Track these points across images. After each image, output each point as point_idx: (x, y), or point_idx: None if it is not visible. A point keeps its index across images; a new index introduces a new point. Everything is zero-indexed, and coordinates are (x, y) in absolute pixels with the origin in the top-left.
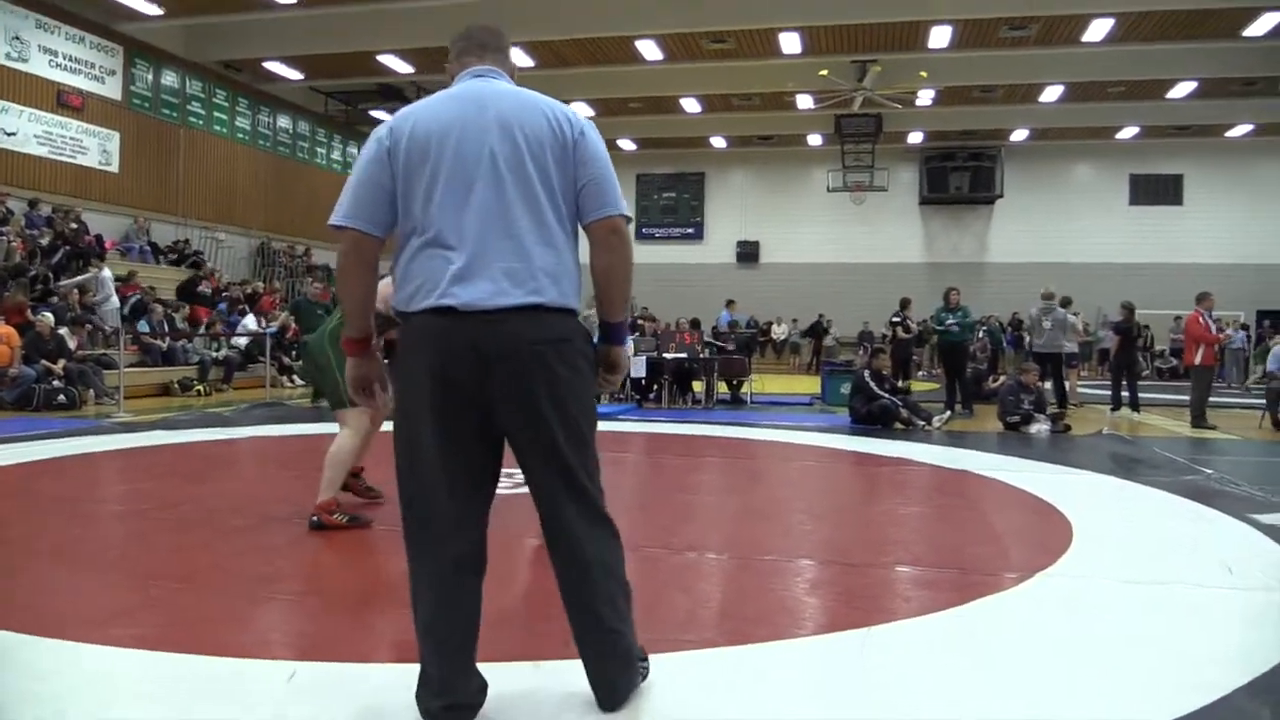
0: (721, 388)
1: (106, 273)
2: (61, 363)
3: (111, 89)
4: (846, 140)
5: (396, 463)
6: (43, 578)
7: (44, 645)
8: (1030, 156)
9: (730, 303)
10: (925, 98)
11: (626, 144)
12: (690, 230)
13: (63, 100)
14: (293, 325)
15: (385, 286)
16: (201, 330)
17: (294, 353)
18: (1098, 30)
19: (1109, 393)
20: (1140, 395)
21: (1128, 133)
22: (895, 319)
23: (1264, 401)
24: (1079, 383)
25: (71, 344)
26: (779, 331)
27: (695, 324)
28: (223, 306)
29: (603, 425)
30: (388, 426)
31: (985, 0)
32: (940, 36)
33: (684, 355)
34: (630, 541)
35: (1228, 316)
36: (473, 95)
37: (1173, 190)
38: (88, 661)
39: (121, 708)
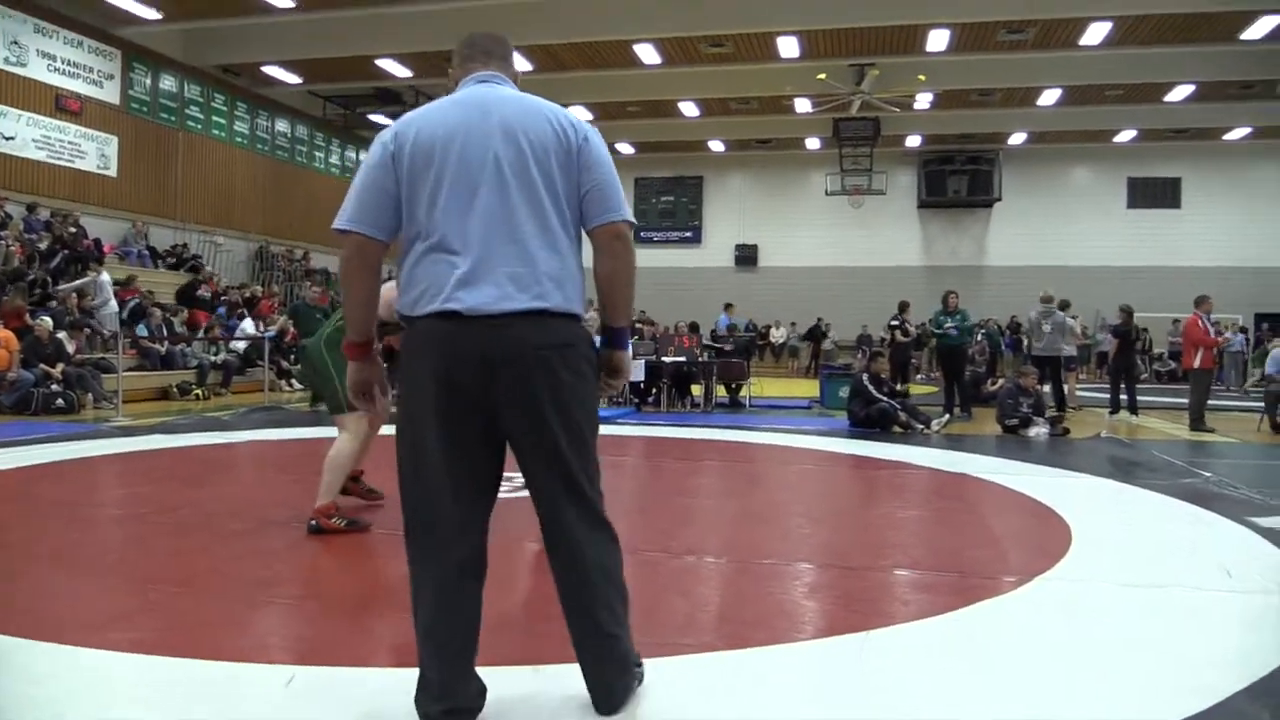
0: (720, 391)
1: (105, 277)
2: (60, 367)
3: (110, 93)
4: (845, 144)
5: (399, 467)
6: (41, 582)
7: (42, 649)
8: (1028, 160)
9: (728, 306)
10: (923, 101)
11: (625, 148)
12: (689, 234)
13: (61, 104)
14: (291, 329)
15: (388, 291)
16: (200, 334)
17: (292, 356)
18: (1095, 34)
19: (1107, 396)
20: (1139, 398)
21: (1125, 136)
22: (894, 322)
23: (1262, 404)
24: (1077, 386)
25: (70, 348)
26: (778, 335)
27: (694, 327)
28: (222, 310)
29: (602, 429)
30: (386, 430)
31: (983, 4)
32: (938, 40)
33: (682, 359)
34: (629, 545)
35: (1226, 319)
36: (477, 101)
37: (1171, 193)
38: (86, 665)
39: (119, 711)
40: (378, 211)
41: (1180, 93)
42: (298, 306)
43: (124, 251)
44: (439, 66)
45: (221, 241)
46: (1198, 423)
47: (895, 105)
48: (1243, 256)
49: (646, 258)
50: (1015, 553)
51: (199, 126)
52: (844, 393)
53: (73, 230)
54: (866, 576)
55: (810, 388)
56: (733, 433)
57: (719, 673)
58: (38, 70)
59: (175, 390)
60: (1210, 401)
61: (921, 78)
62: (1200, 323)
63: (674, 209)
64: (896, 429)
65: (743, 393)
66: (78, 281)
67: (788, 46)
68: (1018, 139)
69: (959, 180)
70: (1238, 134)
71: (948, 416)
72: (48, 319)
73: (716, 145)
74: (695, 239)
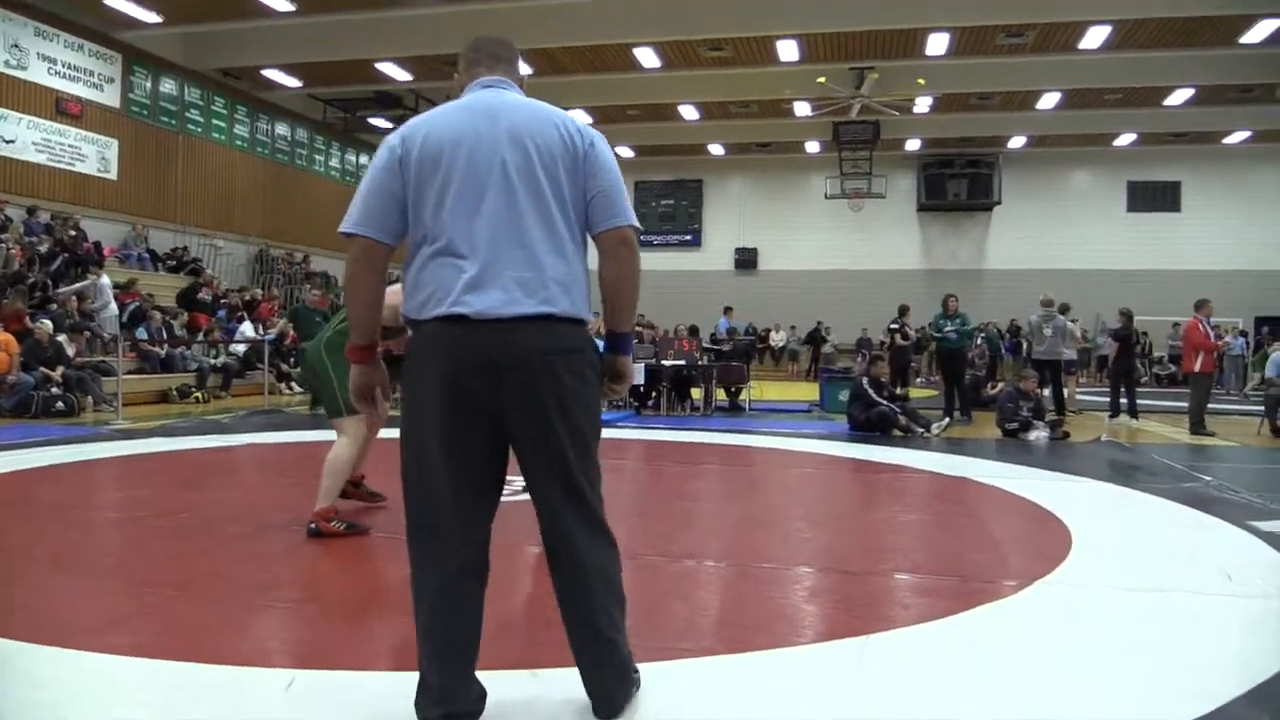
0: (720, 394)
1: (105, 280)
2: (60, 370)
3: (110, 96)
4: (844, 147)
5: (403, 469)
6: (41, 585)
7: (42, 653)
8: (1028, 163)
9: (728, 309)
10: (923, 105)
11: (625, 151)
12: (688, 237)
13: (61, 107)
14: (291, 332)
15: (392, 295)
16: (200, 337)
17: (292, 360)
18: (1095, 37)
19: (1107, 399)
20: (1139, 402)
21: (1125, 139)
22: (894, 326)
23: (1262, 408)
24: (1077, 390)
25: (70, 351)
26: (777, 338)
27: (694, 331)
28: (222, 314)
29: (602, 433)
30: (386, 433)
31: (983, 8)
32: (938, 44)
33: (682, 362)
34: (629, 549)
35: (1226, 323)
36: (484, 106)
37: (1170, 197)
38: (86, 669)
39: (120, 715)
40: (384, 215)
41: (1180, 96)
42: (298, 310)
43: (124, 255)
44: (439, 70)
45: (221, 245)
46: (1198, 426)
47: (895, 109)
48: (1243, 260)
49: (646, 261)
50: (1015, 557)
51: (199, 130)
52: (844, 396)
53: (73, 233)
54: (866, 580)
55: (810, 391)
56: (732, 436)
57: (719, 677)
58: (38, 73)
59: (175, 393)
60: (1210, 405)
61: (921, 81)
62: (1201, 326)
63: (674, 212)
64: (896, 432)
65: (742, 396)
66: (78, 285)
67: (787, 50)
68: (1017, 142)
69: (958, 184)
70: (1237, 138)
71: (948, 420)
72: (48, 322)
73: (716, 148)
74: (695, 242)
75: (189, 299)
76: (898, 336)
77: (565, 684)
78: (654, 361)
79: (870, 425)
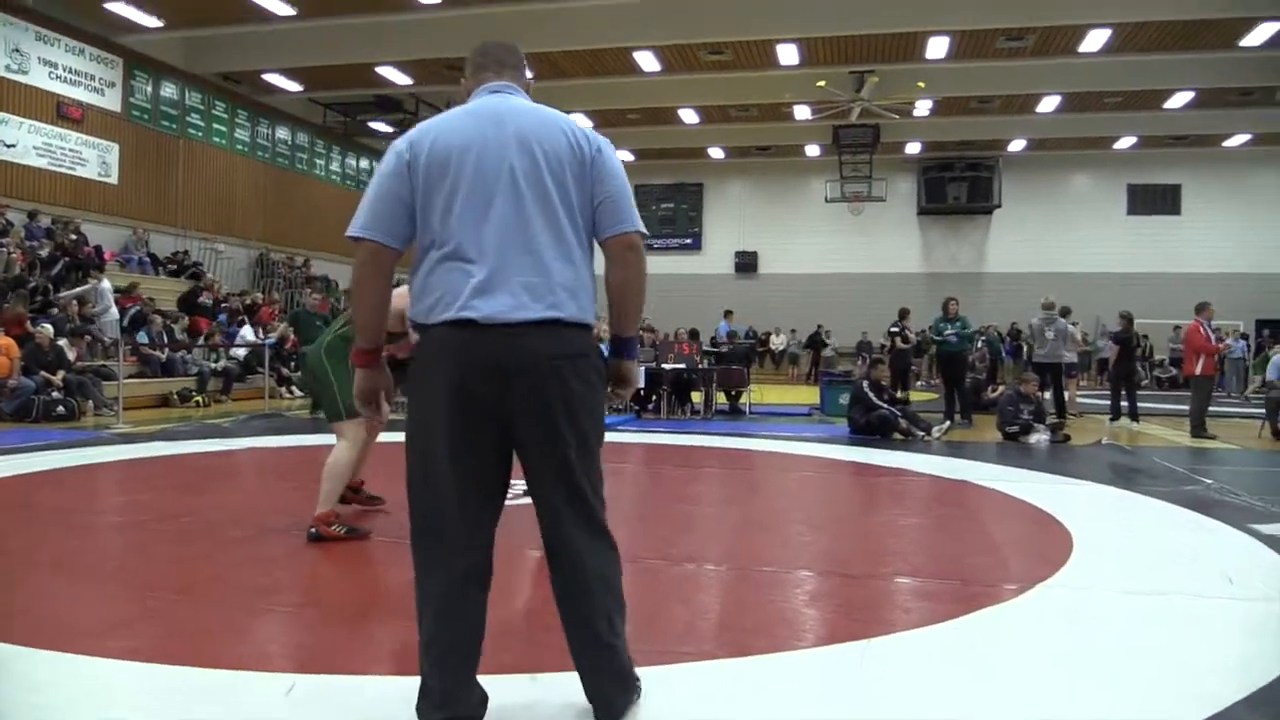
0: (720, 398)
1: (106, 284)
2: (61, 374)
3: (111, 101)
4: (844, 151)
5: (408, 474)
6: (42, 589)
7: (42, 657)
8: (1028, 166)
9: (728, 313)
10: (923, 108)
11: (625, 155)
12: (688, 241)
13: (62, 112)
14: (292, 336)
15: (397, 299)
16: (201, 341)
17: (293, 364)
18: (1095, 41)
19: (1107, 402)
20: (1139, 405)
21: (1125, 143)
22: (894, 329)
23: (1263, 411)
24: (1078, 393)
25: (71, 355)
26: (777, 342)
27: (694, 334)
28: (223, 318)
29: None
30: (385, 437)
31: (982, 11)
32: (938, 47)
33: (682, 366)
34: (629, 553)
35: (1227, 326)
36: (491, 111)
37: (1170, 200)
38: (86, 673)
39: (118, 718)
40: (392, 219)
41: (1180, 99)
42: (298, 314)
43: (125, 259)
44: (439, 74)
45: (222, 249)
46: (1199, 429)
47: (895, 112)
48: (1243, 263)
49: (646, 264)
50: (1016, 560)
51: (200, 134)
52: (844, 400)
53: (74, 237)
54: (867, 584)
55: (810, 395)
56: (733, 440)
57: (719, 681)
58: (39, 78)
59: (175, 397)
60: (1211, 408)
61: (921, 85)
62: (1202, 329)
63: (674, 216)
64: (897, 436)
65: (743, 400)
66: (79, 289)
67: (787, 54)
68: (1017, 146)
69: (959, 187)
70: (1237, 140)
71: (948, 423)
72: (48, 326)
73: (716, 152)
74: (695, 246)
75: (190, 303)
76: (898, 340)
77: (565, 688)
78: (654, 365)
79: (871, 429)
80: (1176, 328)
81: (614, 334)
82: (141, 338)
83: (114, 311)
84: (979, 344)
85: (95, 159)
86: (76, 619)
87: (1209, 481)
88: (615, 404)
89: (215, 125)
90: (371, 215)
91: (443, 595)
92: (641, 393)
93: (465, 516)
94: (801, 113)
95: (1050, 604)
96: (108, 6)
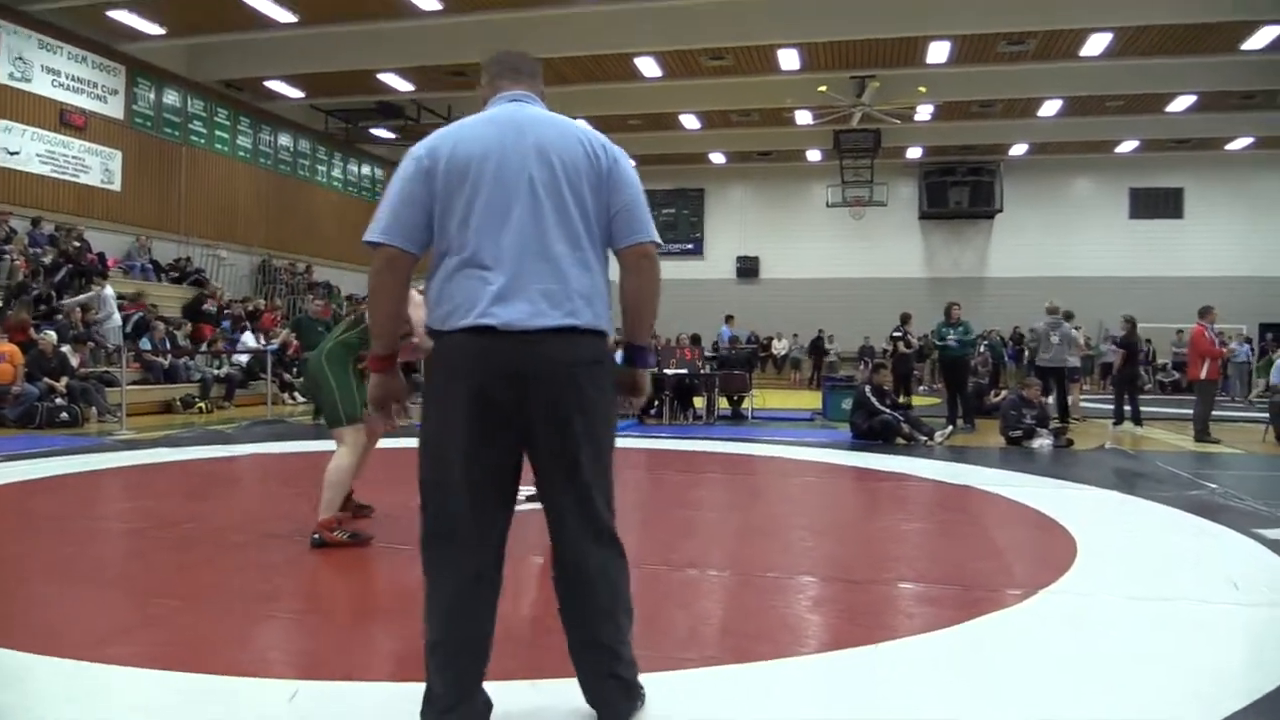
0: (722, 403)
1: (109, 291)
2: (64, 380)
3: (114, 108)
4: (845, 155)
5: (422, 476)
6: (44, 596)
7: (44, 663)
8: (1030, 171)
9: (729, 318)
10: (924, 113)
11: None
12: (690, 246)
13: (65, 119)
14: (294, 342)
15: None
16: (203, 348)
17: (295, 370)
18: (1096, 45)
19: (1110, 407)
20: (1142, 409)
21: (1127, 146)
22: (896, 334)
23: (1267, 415)
24: (1080, 397)
25: (74, 362)
26: (779, 347)
27: (696, 339)
28: (226, 324)
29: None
30: (384, 443)
31: (983, 16)
32: (939, 52)
33: (684, 371)
34: (631, 558)
35: (1230, 330)
36: (510, 119)
37: (1173, 203)
38: (88, 680)
39: None
40: (411, 225)
41: (1182, 103)
42: (300, 320)
43: (128, 265)
44: (440, 80)
45: (225, 255)
46: (1202, 434)
47: (896, 117)
48: (1246, 266)
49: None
50: (1020, 565)
51: (202, 141)
52: (846, 404)
53: (77, 244)
54: (870, 590)
55: (813, 399)
56: (735, 445)
57: (722, 687)
58: (42, 86)
59: (178, 403)
60: (1215, 412)
61: (922, 89)
62: (1206, 333)
63: (675, 221)
64: (899, 441)
65: (745, 405)
66: (82, 296)
67: (788, 59)
68: (1019, 150)
69: (960, 191)
70: (1240, 144)
71: (951, 428)
72: (52, 333)
73: (717, 157)
74: (697, 251)
75: (195, 310)
76: (900, 344)
77: (567, 694)
78: (656, 370)
79: (873, 434)
80: (1179, 332)
81: (627, 342)
82: (144, 344)
83: (117, 318)
84: (981, 348)
85: (98, 166)
86: (78, 625)
87: (1213, 486)
88: (626, 412)
89: (217, 132)
90: (390, 220)
91: (453, 596)
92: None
93: (478, 520)
94: (803, 118)
95: (1054, 609)
96: (110, 14)
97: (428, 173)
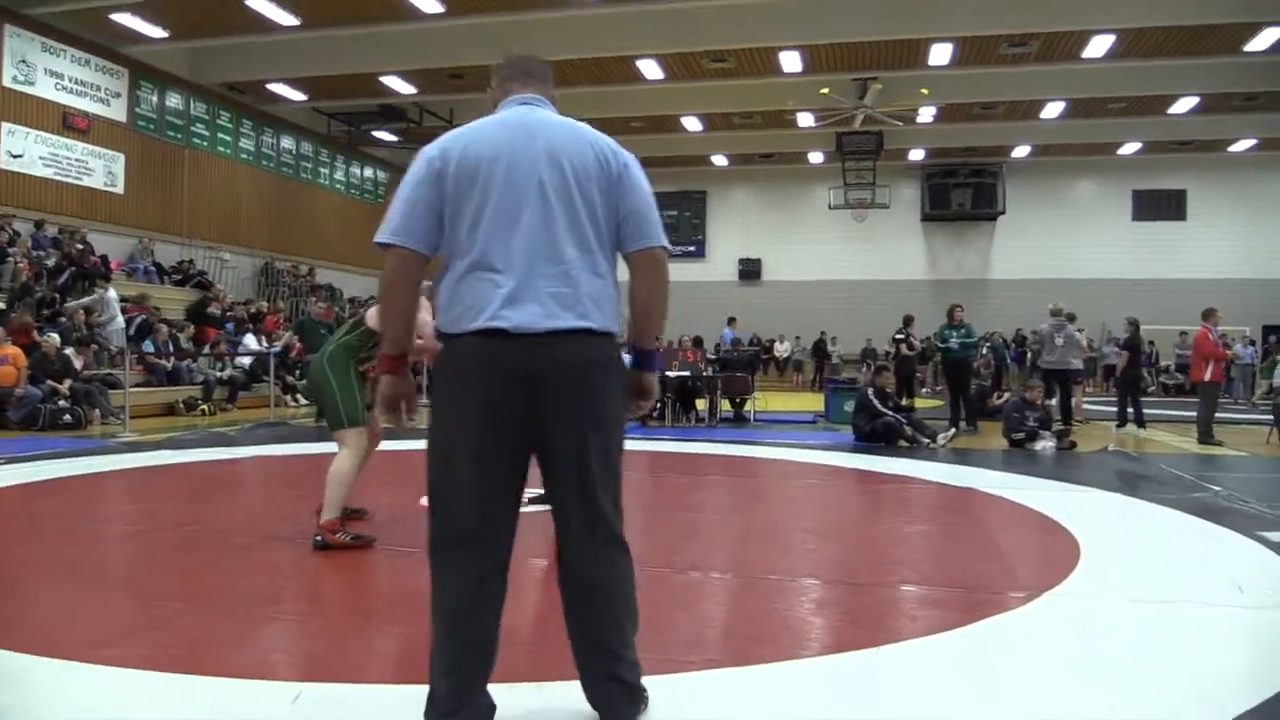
0: (725, 405)
1: (112, 293)
2: (67, 383)
3: (117, 111)
4: (848, 158)
5: (429, 478)
6: (46, 598)
7: (46, 666)
8: (1032, 173)
9: (732, 320)
10: (926, 115)
11: None
12: (692, 248)
13: (68, 122)
14: (296, 344)
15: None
16: (205, 350)
17: (298, 372)
18: (1098, 46)
19: (1112, 409)
20: (1145, 411)
21: (1130, 148)
22: (898, 336)
23: (1271, 417)
24: (1084, 399)
25: (77, 364)
26: (782, 349)
27: (698, 342)
28: (230, 327)
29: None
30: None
31: (985, 18)
32: (941, 54)
33: (687, 373)
34: (634, 560)
35: (1234, 332)
36: (521, 123)
37: (1176, 205)
38: (90, 682)
39: None
40: (422, 227)
41: (1184, 105)
42: (303, 322)
43: (131, 268)
44: (442, 83)
45: (228, 258)
46: (1206, 436)
47: (898, 119)
48: (1249, 268)
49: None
50: (1023, 568)
51: (205, 144)
52: (849, 407)
53: (80, 247)
54: (873, 592)
55: (815, 402)
56: (737, 447)
57: (724, 689)
58: (45, 89)
59: (181, 406)
60: (1218, 414)
61: (924, 91)
62: (1210, 335)
63: (677, 223)
64: (902, 443)
65: (747, 407)
66: (86, 299)
67: (790, 61)
68: (1021, 152)
69: (963, 193)
70: (1243, 145)
71: (953, 430)
72: (55, 335)
73: (720, 160)
74: (699, 253)
75: (199, 312)
76: (903, 347)
77: (569, 697)
78: (659, 372)
79: (876, 436)
80: (1182, 333)
81: (635, 345)
82: (147, 347)
83: (120, 320)
84: (984, 350)
85: (101, 169)
86: (81, 627)
87: (1217, 488)
88: (635, 415)
89: (220, 135)
90: (402, 222)
91: (460, 597)
92: None
93: (487, 521)
94: (805, 120)
95: (1058, 612)
96: (113, 18)
97: (439, 174)
